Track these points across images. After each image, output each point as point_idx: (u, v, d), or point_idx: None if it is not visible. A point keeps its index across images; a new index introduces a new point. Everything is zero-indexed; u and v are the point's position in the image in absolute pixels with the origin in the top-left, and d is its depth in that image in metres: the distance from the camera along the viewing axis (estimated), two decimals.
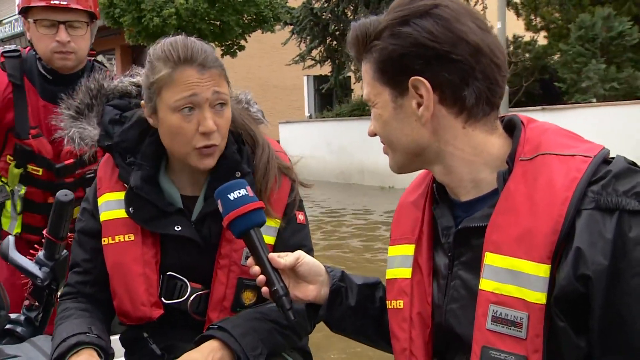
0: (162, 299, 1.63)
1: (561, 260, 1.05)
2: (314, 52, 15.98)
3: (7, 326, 1.73)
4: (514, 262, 1.09)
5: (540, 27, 13.34)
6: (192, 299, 1.64)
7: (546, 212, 1.07)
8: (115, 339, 1.71)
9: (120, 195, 1.64)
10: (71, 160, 2.50)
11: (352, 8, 14.87)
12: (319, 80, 19.31)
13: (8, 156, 2.50)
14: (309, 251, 1.64)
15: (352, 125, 13.70)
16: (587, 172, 1.07)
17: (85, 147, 1.73)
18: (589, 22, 10.55)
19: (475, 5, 13.35)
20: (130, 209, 1.61)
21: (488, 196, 1.19)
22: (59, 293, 1.77)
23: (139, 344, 1.68)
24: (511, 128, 1.22)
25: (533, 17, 13.52)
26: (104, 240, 1.64)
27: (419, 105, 1.17)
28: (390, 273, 1.36)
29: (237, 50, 16.05)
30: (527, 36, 13.36)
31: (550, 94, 10.96)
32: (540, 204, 1.08)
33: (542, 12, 13.32)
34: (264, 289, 1.36)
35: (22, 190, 2.52)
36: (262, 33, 16.23)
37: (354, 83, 16.55)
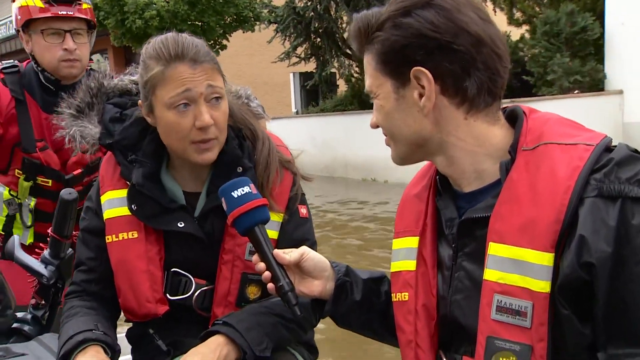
0: (167, 295, 1.64)
1: (565, 249, 1.06)
2: (299, 50, 16.24)
3: (14, 325, 1.74)
4: (517, 252, 1.09)
5: (522, 22, 13.52)
6: (197, 295, 1.64)
7: (549, 201, 1.07)
8: (121, 336, 1.71)
9: (123, 192, 1.65)
10: (79, 170, 2.54)
11: (333, 6, 15.13)
12: (304, 76, 19.62)
13: (17, 170, 2.53)
14: (313, 245, 1.64)
15: (335, 120, 13.94)
16: (590, 161, 1.07)
17: (86, 145, 1.73)
18: (554, 18, 10.86)
19: None
20: (133, 206, 1.62)
21: (491, 187, 1.19)
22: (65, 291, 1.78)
23: (145, 340, 1.69)
24: (513, 118, 1.22)
25: (515, 11, 13.78)
26: (108, 238, 1.64)
27: (421, 96, 1.17)
28: (395, 266, 1.36)
29: (219, 50, 16.31)
30: (509, 30, 13.44)
31: (526, 86, 11.27)
32: (543, 193, 1.08)
33: (523, 6, 13.53)
34: (270, 285, 1.36)
35: (32, 202, 2.55)
36: (243, 32, 16.61)
37: (339, 79, 16.82)
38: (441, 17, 1.13)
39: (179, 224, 1.62)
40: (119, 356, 1.58)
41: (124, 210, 1.63)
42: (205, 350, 1.47)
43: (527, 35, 12.69)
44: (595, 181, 1.05)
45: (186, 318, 1.66)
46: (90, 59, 2.64)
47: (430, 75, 1.15)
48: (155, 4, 14.25)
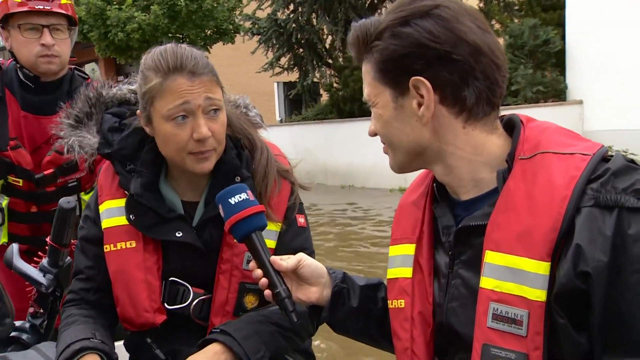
0: (165, 304, 1.64)
1: (561, 258, 1.06)
2: (283, 60, 16.68)
3: (13, 333, 1.74)
4: (514, 260, 1.10)
5: (500, 32, 13.89)
6: (195, 304, 1.64)
7: (546, 210, 1.08)
8: (119, 345, 1.71)
9: (121, 202, 1.65)
10: (51, 170, 2.49)
11: (315, 17, 15.54)
12: (288, 86, 20.20)
13: None
14: (311, 254, 1.64)
15: (316, 129, 14.31)
16: (586, 170, 1.07)
17: (85, 155, 1.73)
18: (518, 31, 11.39)
19: None
20: (131, 216, 1.62)
21: (488, 195, 1.20)
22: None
23: (143, 349, 1.68)
24: (511, 127, 1.23)
25: (494, 22, 14.25)
26: (106, 248, 1.64)
27: (420, 105, 1.18)
28: (391, 273, 1.36)
29: None
30: None
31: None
32: (540, 202, 1.09)
33: (501, 17, 13.95)
34: (267, 292, 1.36)
35: (5, 200, 2.52)
36: (224, 44, 16.96)
37: (322, 89, 17.19)
38: (440, 27, 1.14)
39: (177, 234, 1.62)
40: None
41: (122, 220, 1.64)
42: (202, 358, 1.48)
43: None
44: (592, 191, 1.06)
45: (184, 327, 1.66)
46: (83, 67, 2.62)
47: (429, 84, 1.15)
48: (136, 18, 14.59)
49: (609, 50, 9.21)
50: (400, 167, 1.28)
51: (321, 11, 15.04)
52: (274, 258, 1.37)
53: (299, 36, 15.91)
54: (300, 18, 15.60)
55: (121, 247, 1.63)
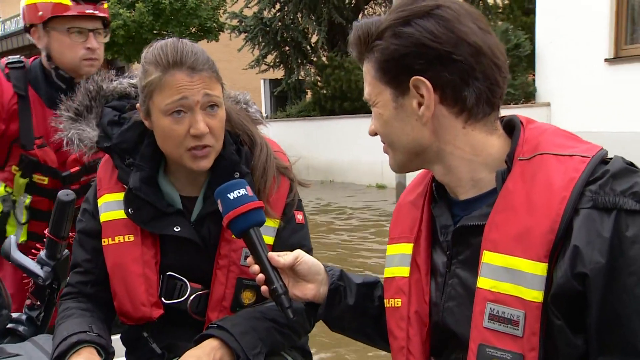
0: (162, 299, 1.64)
1: (558, 259, 1.06)
2: (269, 58, 17.05)
3: (9, 325, 1.74)
4: (511, 261, 1.10)
5: None
6: (192, 299, 1.64)
7: (544, 211, 1.08)
8: (116, 339, 1.71)
9: (120, 196, 1.65)
10: (77, 168, 2.53)
11: (300, 16, 15.90)
12: (274, 83, 20.65)
13: (13, 167, 2.52)
14: (309, 251, 1.64)
15: (298, 125, 14.60)
16: (585, 172, 1.08)
17: (84, 148, 1.73)
18: None
19: None
20: (129, 210, 1.62)
21: (487, 195, 1.20)
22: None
23: (139, 343, 1.69)
24: (510, 128, 1.23)
25: None
26: (104, 241, 1.64)
27: (420, 105, 1.18)
28: (389, 272, 1.36)
29: None
30: None
31: None
32: (538, 203, 1.09)
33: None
34: (263, 288, 1.37)
35: (28, 199, 2.54)
36: (208, 42, 17.04)
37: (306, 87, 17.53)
38: (441, 27, 1.14)
39: (175, 228, 1.62)
40: (112, 358, 1.58)
41: (121, 214, 1.64)
42: (199, 353, 1.47)
43: None
44: (590, 193, 1.06)
45: (181, 322, 1.66)
46: None
47: (429, 84, 1.15)
48: (121, 14, 14.67)
49: (573, 56, 9.34)
50: (400, 167, 1.28)
51: (306, 11, 15.39)
52: (271, 254, 1.37)
53: (284, 34, 16.21)
54: (285, 17, 15.93)
55: (119, 240, 1.63)
